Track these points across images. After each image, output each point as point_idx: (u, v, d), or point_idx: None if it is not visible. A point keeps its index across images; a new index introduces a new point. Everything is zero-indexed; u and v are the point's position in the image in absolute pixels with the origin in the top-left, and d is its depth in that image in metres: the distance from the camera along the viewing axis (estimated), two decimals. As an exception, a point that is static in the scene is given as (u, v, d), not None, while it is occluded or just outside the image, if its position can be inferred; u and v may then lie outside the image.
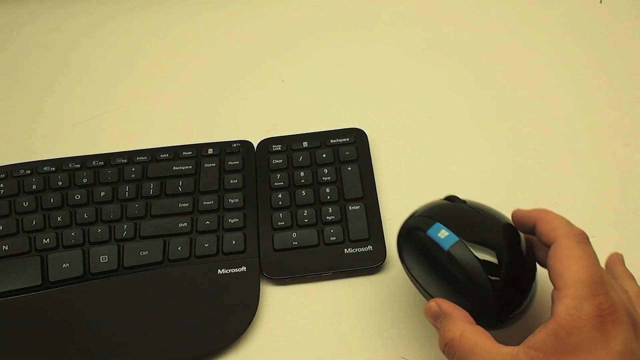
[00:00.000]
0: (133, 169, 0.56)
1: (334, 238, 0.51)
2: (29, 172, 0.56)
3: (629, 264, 0.43)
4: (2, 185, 0.55)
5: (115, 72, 0.67)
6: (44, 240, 0.52)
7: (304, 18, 0.71)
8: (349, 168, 0.55)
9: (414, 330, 0.47)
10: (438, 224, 0.40)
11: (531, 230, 0.40)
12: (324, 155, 0.56)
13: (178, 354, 0.47)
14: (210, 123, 0.62)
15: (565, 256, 0.35)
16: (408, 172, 0.56)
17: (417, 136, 0.59)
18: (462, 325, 0.36)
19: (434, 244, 0.40)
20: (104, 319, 0.48)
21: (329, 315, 0.48)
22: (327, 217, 0.52)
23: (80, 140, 0.61)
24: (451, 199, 0.45)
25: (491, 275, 0.38)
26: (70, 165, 0.56)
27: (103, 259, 0.51)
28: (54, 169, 0.56)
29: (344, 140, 0.57)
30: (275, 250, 0.51)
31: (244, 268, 0.50)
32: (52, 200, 0.54)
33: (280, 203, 0.53)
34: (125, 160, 0.57)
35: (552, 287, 0.36)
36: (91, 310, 0.49)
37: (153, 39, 0.70)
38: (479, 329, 0.36)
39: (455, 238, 0.39)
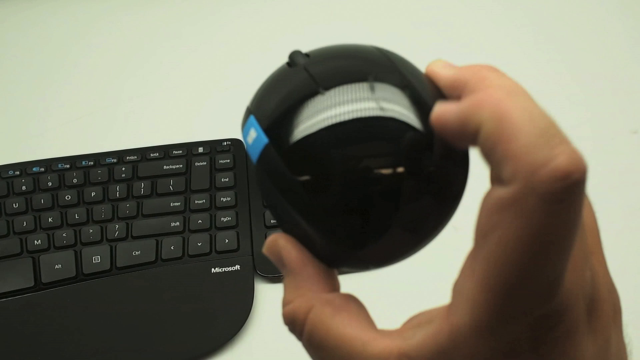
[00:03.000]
0: (123, 169, 0.56)
1: (327, 235, 0.51)
2: (18, 173, 0.55)
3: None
4: (-9, 187, 0.55)
5: (103, 71, 0.67)
6: (36, 241, 0.52)
7: (291, 14, 0.71)
8: (340, 165, 0.55)
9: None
10: (251, 118, 0.23)
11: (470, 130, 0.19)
12: (315, 153, 0.56)
13: (173, 353, 0.47)
14: (200, 121, 0.61)
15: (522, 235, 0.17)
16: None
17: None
18: (309, 296, 0.22)
19: (248, 155, 0.24)
20: (98, 320, 0.48)
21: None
22: (320, 215, 0.52)
23: (69, 140, 0.60)
24: (294, 57, 0.25)
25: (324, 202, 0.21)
26: (59, 165, 0.56)
27: (96, 259, 0.51)
28: (43, 169, 0.56)
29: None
30: (268, 248, 0.51)
31: (237, 266, 0.50)
32: (42, 201, 0.54)
33: (272, 201, 0.53)
34: (115, 160, 0.56)
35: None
36: (85, 311, 0.49)
37: (142, 37, 0.70)
38: (338, 300, 0.22)
39: (264, 140, 0.22)
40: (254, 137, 0.23)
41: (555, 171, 0.16)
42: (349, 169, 0.21)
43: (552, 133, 0.17)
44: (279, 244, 0.23)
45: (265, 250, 0.24)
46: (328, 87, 0.22)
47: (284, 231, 0.24)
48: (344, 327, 0.21)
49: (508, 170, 0.17)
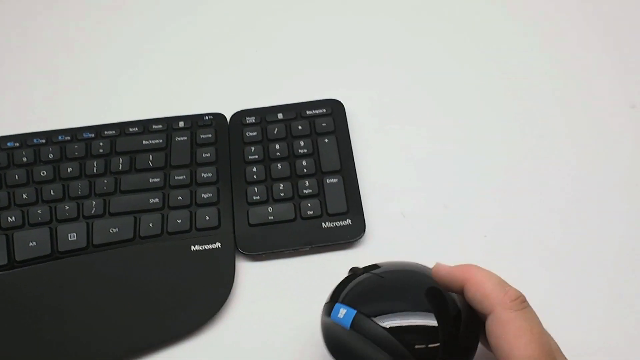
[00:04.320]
0: (101, 144, 0.54)
1: (311, 212, 0.50)
2: (-9, 148, 0.53)
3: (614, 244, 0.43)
4: (-37, 162, 0.53)
5: (81, 43, 0.65)
6: (9, 218, 0.50)
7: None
8: (326, 140, 0.53)
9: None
10: (337, 305, 0.36)
11: (459, 291, 0.35)
12: (300, 127, 0.54)
13: (151, 333, 0.45)
14: (181, 96, 0.59)
15: (508, 332, 0.31)
16: (387, 142, 0.55)
17: (396, 106, 0.57)
18: None
19: (339, 327, 0.35)
20: (74, 299, 0.47)
21: (307, 291, 0.47)
22: (304, 191, 0.50)
23: (45, 115, 0.58)
24: (354, 271, 0.39)
25: (413, 344, 0.34)
26: (35, 140, 0.54)
27: (71, 236, 0.49)
28: (18, 144, 0.54)
29: (321, 111, 0.55)
30: (250, 225, 0.49)
31: (218, 244, 0.49)
32: (16, 177, 0.52)
33: (255, 177, 0.52)
34: (93, 135, 0.55)
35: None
36: (60, 290, 0.47)
37: (121, 10, 0.67)
38: None
39: (353, 311, 0.35)
40: (345, 313, 0.35)
41: (512, 296, 0.33)
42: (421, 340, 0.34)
43: (501, 282, 0.34)
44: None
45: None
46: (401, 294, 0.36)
47: None
48: None
49: (487, 304, 0.33)
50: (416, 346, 0.33)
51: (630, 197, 0.50)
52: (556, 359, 0.32)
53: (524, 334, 0.31)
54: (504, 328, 0.32)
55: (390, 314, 0.34)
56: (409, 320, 0.34)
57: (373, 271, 0.38)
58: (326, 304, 0.38)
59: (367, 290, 0.37)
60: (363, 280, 0.37)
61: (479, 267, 0.35)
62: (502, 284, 0.34)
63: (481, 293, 0.34)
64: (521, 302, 0.33)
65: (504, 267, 0.37)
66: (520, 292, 0.33)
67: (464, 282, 0.35)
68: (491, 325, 0.32)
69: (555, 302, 0.45)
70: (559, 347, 0.34)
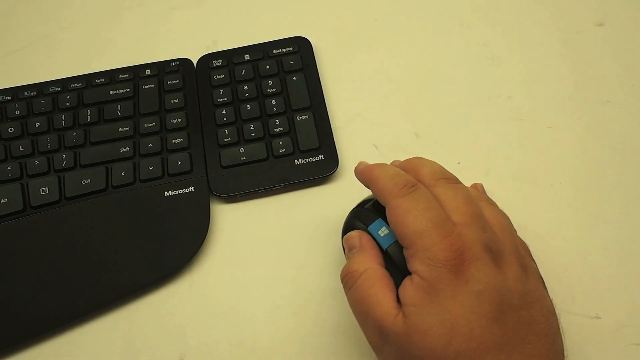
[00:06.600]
0: (68, 97, 0.53)
1: (283, 150, 0.49)
2: (-44, 107, 0.52)
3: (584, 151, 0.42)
4: None
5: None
6: (-21, 176, 0.49)
7: None
8: (294, 78, 0.53)
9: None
10: (380, 220, 0.37)
11: None
12: (268, 67, 0.53)
13: (130, 281, 0.45)
14: (146, 44, 0.58)
15: (398, 216, 0.33)
16: (356, 76, 0.54)
17: (363, 40, 0.56)
18: (370, 262, 0.35)
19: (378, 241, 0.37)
20: (50, 252, 0.46)
21: (283, 229, 0.47)
22: (275, 130, 0.50)
23: (10, 72, 0.57)
24: None
25: None
26: (0, 97, 0.53)
27: (43, 191, 0.49)
28: (-17, 103, 0.53)
29: (288, 49, 0.54)
30: (223, 167, 0.49)
31: (191, 188, 0.48)
32: (-17, 135, 0.51)
33: (225, 119, 0.51)
34: (59, 89, 0.54)
35: None
36: (35, 244, 0.47)
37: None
38: (384, 272, 0.34)
39: (394, 239, 0.35)
40: (387, 233, 0.36)
41: (400, 184, 0.34)
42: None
43: (395, 174, 0.35)
44: (360, 235, 0.37)
45: (347, 237, 0.37)
46: None
47: None
48: (382, 286, 0.33)
49: (382, 199, 0.35)
50: None
51: (602, 113, 0.50)
52: (454, 230, 0.32)
53: (410, 213, 0.32)
54: (394, 214, 0.33)
55: None
56: None
57: None
58: (365, 208, 0.39)
59: None
60: None
61: (380, 165, 0.37)
62: (396, 175, 0.35)
63: (377, 190, 0.35)
64: (409, 187, 0.34)
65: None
66: (409, 178, 0.34)
67: (369, 184, 0.37)
68: (388, 216, 0.34)
69: (529, 221, 0.45)
70: (477, 215, 0.33)
